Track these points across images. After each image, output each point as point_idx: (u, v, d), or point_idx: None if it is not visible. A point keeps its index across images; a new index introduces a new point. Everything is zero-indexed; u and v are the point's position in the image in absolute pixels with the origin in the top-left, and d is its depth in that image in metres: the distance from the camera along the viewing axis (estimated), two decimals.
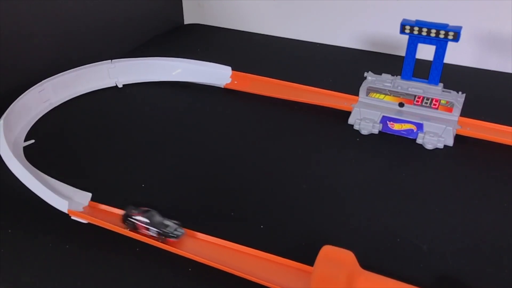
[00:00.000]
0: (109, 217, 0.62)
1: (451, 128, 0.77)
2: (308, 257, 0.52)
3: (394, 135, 0.80)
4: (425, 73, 0.79)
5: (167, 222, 0.59)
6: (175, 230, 0.58)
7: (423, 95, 0.79)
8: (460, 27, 0.73)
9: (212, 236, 0.59)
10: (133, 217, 0.59)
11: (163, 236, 0.57)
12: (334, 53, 1.14)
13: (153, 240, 0.58)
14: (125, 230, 0.59)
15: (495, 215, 0.64)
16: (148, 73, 0.98)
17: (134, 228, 0.59)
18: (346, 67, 1.06)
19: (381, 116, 0.81)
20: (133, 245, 0.59)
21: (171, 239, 0.57)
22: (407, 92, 0.80)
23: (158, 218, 0.59)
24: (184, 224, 0.60)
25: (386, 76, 0.83)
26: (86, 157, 0.76)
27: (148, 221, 0.58)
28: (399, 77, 0.81)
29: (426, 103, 0.79)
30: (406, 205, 0.66)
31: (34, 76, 0.88)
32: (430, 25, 0.73)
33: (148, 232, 0.58)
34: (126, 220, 0.59)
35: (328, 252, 0.50)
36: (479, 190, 0.68)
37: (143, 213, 0.59)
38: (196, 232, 0.60)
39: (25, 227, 0.63)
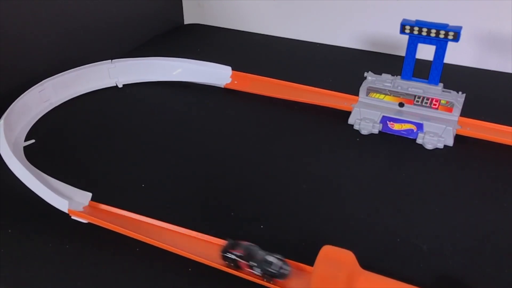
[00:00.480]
0: (110, 217, 0.62)
1: (451, 128, 0.77)
2: (308, 257, 0.52)
3: (394, 135, 0.80)
4: (425, 73, 0.79)
5: (270, 258, 0.53)
6: (281, 268, 0.52)
7: (423, 95, 0.79)
8: (460, 27, 0.73)
9: (209, 236, 0.58)
10: (233, 253, 0.54)
11: (269, 276, 0.52)
12: (334, 53, 1.14)
13: (257, 279, 0.53)
14: (226, 267, 0.55)
15: (495, 215, 0.64)
16: (148, 73, 0.98)
17: (236, 266, 0.54)
18: (346, 67, 1.06)
19: (381, 116, 0.81)
20: (133, 245, 0.59)
21: (278, 279, 0.52)
22: (407, 92, 0.80)
23: (260, 253, 0.53)
24: (184, 224, 0.60)
25: (386, 76, 0.83)
26: (86, 157, 0.76)
27: (250, 259, 0.53)
28: (399, 77, 0.81)
29: (426, 103, 0.79)
30: (406, 205, 0.66)
31: (34, 76, 0.88)
32: (430, 25, 0.73)
33: (251, 270, 0.53)
34: (226, 257, 0.54)
35: (328, 252, 0.50)
36: (479, 190, 0.68)
37: (243, 249, 0.54)
38: None
39: (25, 227, 0.63)
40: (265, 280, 0.53)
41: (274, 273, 0.52)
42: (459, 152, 0.76)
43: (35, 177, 0.65)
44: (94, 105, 0.91)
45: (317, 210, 0.65)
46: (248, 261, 0.53)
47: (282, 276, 0.52)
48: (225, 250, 0.55)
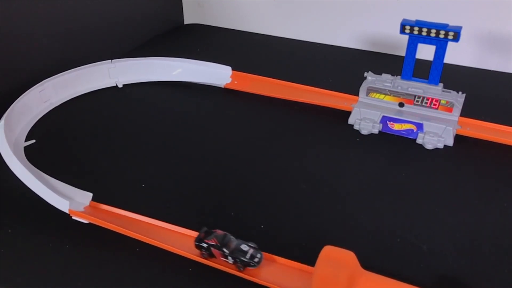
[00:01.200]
0: (110, 217, 0.62)
1: (451, 128, 0.77)
2: (308, 257, 0.53)
3: (394, 135, 0.80)
4: (425, 73, 0.79)
5: (244, 246, 0.54)
6: (254, 256, 0.54)
7: (423, 95, 0.79)
8: (460, 27, 0.73)
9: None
10: (208, 243, 0.55)
11: (242, 265, 0.53)
12: (334, 53, 1.14)
13: (230, 269, 0.54)
14: (201, 257, 0.55)
15: (495, 215, 0.64)
16: (148, 73, 0.98)
17: (211, 255, 0.55)
18: (346, 67, 1.06)
19: (381, 116, 0.81)
20: (133, 245, 0.59)
21: (250, 268, 0.54)
22: (407, 92, 0.80)
23: (234, 243, 0.55)
24: (184, 224, 0.60)
25: (386, 76, 0.83)
26: (86, 157, 0.76)
27: (225, 249, 0.54)
28: (399, 77, 0.81)
29: (426, 103, 0.80)
30: (407, 205, 0.66)
31: (34, 76, 0.88)
32: (430, 25, 0.73)
33: (225, 259, 0.54)
34: (200, 246, 0.55)
35: (329, 252, 0.50)
36: (479, 190, 0.68)
37: (218, 238, 0.55)
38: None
39: (25, 227, 0.63)
40: (238, 268, 0.54)
41: (248, 263, 0.53)
42: (459, 152, 0.76)
43: (36, 177, 0.65)
44: (94, 105, 0.91)
45: (317, 210, 0.65)
46: (221, 250, 0.54)
47: (254, 265, 0.53)
48: (199, 239, 0.55)
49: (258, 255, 0.54)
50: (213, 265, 0.55)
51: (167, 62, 0.99)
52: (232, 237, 0.55)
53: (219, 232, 0.56)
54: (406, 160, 0.76)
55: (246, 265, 0.53)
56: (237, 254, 0.54)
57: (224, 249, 0.54)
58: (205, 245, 0.55)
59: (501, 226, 0.62)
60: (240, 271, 0.54)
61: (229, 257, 0.54)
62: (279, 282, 0.53)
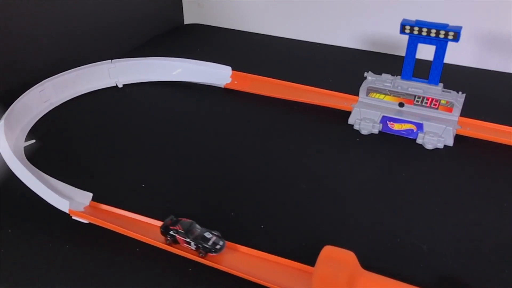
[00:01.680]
0: (110, 217, 0.62)
1: (451, 128, 0.77)
2: (308, 257, 0.53)
3: (394, 135, 0.80)
4: (425, 73, 0.79)
5: (208, 234, 0.56)
6: (216, 244, 0.56)
7: (423, 95, 0.79)
8: (460, 27, 0.73)
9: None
10: (173, 229, 0.57)
11: (204, 251, 0.55)
12: (334, 53, 1.14)
13: (192, 255, 0.56)
14: (166, 244, 0.57)
15: (495, 215, 0.64)
16: (148, 73, 0.98)
17: (175, 241, 0.57)
18: (346, 67, 1.06)
19: (381, 116, 0.81)
20: (133, 245, 0.59)
21: (212, 254, 0.56)
22: (407, 92, 0.80)
23: (198, 230, 0.57)
24: None
25: (386, 76, 0.83)
26: (86, 157, 0.76)
27: (188, 235, 0.56)
28: (399, 77, 0.81)
29: (426, 103, 0.80)
30: (406, 205, 0.66)
31: (34, 76, 0.88)
32: (430, 25, 0.73)
33: (188, 246, 0.56)
34: (165, 232, 0.57)
35: (329, 252, 0.50)
36: (479, 190, 0.68)
37: (183, 225, 0.57)
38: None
39: (25, 227, 0.63)
40: (200, 255, 0.55)
41: (209, 249, 0.55)
42: (459, 152, 0.76)
43: (36, 177, 0.65)
44: (94, 105, 0.91)
45: (317, 210, 0.65)
46: (185, 237, 0.56)
47: (215, 251, 0.55)
48: (164, 226, 0.57)
49: (221, 243, 0.56)
50: (177, 252, 0.56)
51: (167, 62, 0.99)
52: (197, 225, 0.57)
53: (185, 220, 0.58)
54: (406, 160, 0.76)
55: (208, 251, 0.55)
56: (199, 241, 0.55)
57: (188, 235, 0.56)
58: (170, 231, 0.57)
59: (501, 226, 0.62)
60: (202, 257, 0.55)
61: (192, 243, 0.56)
62: (279, 282, 0.52)
